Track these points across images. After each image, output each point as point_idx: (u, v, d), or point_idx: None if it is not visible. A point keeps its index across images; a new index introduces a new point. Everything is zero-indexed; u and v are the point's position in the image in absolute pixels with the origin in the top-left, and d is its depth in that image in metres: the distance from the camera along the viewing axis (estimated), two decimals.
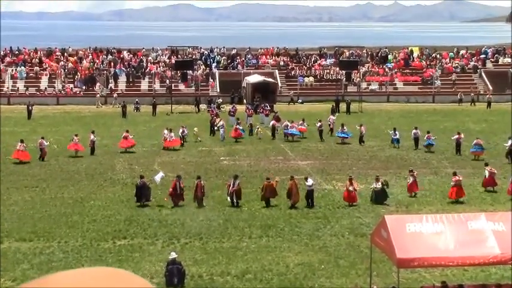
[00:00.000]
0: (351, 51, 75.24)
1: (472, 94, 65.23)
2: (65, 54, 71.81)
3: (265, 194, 28.69)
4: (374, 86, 68.15)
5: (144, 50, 75.88)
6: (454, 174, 30.13)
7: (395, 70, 70.78)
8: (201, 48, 74.73)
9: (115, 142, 42.27)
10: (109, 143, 42.89)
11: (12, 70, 67.56)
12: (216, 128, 46.30)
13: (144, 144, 42.72)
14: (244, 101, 62.24)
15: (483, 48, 77.42)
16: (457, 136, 40.18)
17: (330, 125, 46.68)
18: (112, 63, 69.45)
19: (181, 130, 43.23)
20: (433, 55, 74.86)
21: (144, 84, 68.13)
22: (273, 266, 21.73)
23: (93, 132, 41.00)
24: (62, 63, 69.01)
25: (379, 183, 29.31)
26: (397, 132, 42.45)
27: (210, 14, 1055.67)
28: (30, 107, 55.47)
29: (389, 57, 73.70)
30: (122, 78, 68.00)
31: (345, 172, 34.11)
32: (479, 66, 72.03)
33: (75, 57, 70.72)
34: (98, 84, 66.12)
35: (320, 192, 30.94)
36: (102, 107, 62.17)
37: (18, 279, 20.40)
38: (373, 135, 45.49)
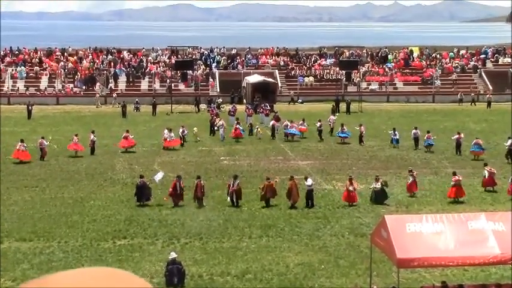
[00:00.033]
0: (351, 51, 75.25)
1: (473, 94, 65.22)
2: (65, 54, 71.83)
3: (265, 194, 28.68)
4: (374, 86, 68.14)
5: (144, 50, 75.91)
6: (454, 174, 30.15)
7: (395, 70, 70.77)
8: (201, 48, 74.75)
9: (115, 142, 42.28)
10: (109, 142, 42.88)
11: (12, 70, 67.58)
12: (216, 128, 46.31)
13: (144, 144, 42.73)
14: (244, 100, 62.25)
15: (483, 48, 77.45)
16: (457, 136, 40.19)
17: (330, 125, 46.70)
18: (112, 63, 69.46)
19: (181, 130, 43.23)
20: (433, 55, 74.87)
21: (144, 84, 68.13)
22: (273, 266, 21.73)
23: (93, 132, 41.00)
24: (62, 63, 69.02)
25: (379, 183, 29.32)
26: (396, 132, 42.46)
27: (210, 14, 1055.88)
28: (30, 107, 55.47)
29: (389, 57, 73.70)
30: (122, 78, 68.01)
31: (345, 172, 34.10)
32: (479, 66, 72.04)
33: (75, 57, 70.72)
34: (98, 84, 66.13)
35: (320, 192, 30.94)
36: (101, 107, 62.12)
37: (18, 279, 20.39)
38: (373, 135, 45.50)
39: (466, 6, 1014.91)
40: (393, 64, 71.77)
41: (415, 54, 75.05)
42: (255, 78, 64.11)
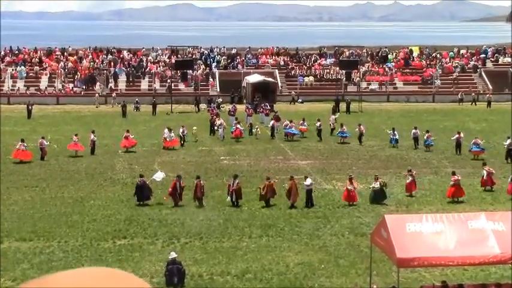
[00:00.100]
0: (350, 51, 75.27)
1: (473, 94, 65.22)
2: (65, 53, 71.84)
3: (266, 193, 28.68)
4: (374, 86, 68.15)
5: (144, 49, 75.92)
6: (453, 173, 30.16)
7: (395, 70, 70.79)
8: (201, 47, 74.76)
9: (115, 142, 42.30)
10: (109, 142, 42.90)
11: (12, 70, 67.60)
12: (216, 127, 46.31)
13: (144, 144, 42.73)
14: (244, 100, 62.26)
15: (483, 48, 77.45)
16: (457, 136, 40.20)
17: (331, 124, 46.72)
18: (112, 63, 69.47)
19: (181, 130, 43.24)
20: (433, 55, 74.88)
21: (144, 84, 68.15)
22: (273, 266, 21.73)
23: (93, 132, 41.01)
24: (62, 63, 69.02)
25: (378, 182, 29.32)
26: (396, 132, 42.47)
27: (210, 13, 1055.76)
28: (30, 107, 55.49)
29: (389, 56, 73.71)
30: (122, 78, 68.02)
31: (345, 172, 34.10)
32: (479, 66, 72.05)
33: (75, 57, 70.73)
34: (98, 83, 66.15)
35: (320, 191, 30.96)
36: (100, 107, 62.01)
37: (18, 279, 20.40)
38: (373, 135, 45.50)
39: (466, 5, 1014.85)
40: (393, 64, 71.77)
41: (415, 53, 75.06)
42: (255, 78, 64.12)
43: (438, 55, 74.73)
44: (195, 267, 21.45)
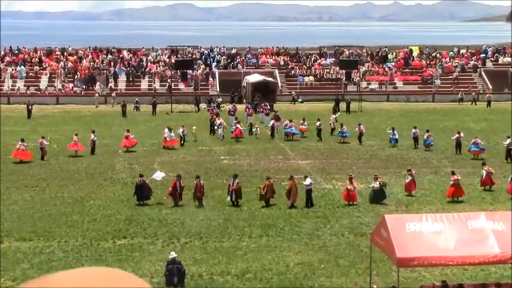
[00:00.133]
0: (350, 51, 75.29)
1: (474, 94, 65.22)
2: (65, 53, 71.84)
3: (266, 193, 28.68)
4: (374, 86, 68.16)
5: (144, 49, 75.92)
6: (453, 173, 30.15)
7: (395, 69, 70.79)
8: (201, 47, 74.77)
9: (115, 141, 42.31)
10: (109, 142, 42.90)
11: (12, 69, 67.60)
12: (216, 127, 46.31)
13: (144, 144, 42.73)
14: (244, 100, 62.27)
15: (483, 48, 77.45)
16: (457, 135, 40.20)
17: (331, 124, 46.73)
18: (112, 63, 69.46)
19: (181, 130, 43.25)
20: (433, 54, 74.89)
21: (144, 84, 68.15)
22: (273, 266, 21.73)
23: (93, 132, 41.02)
24: (61, 62, 69.01)
25: (377, 182, 29.32)
26: (395, 131, 42.47)
27: (210, 13, 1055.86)
28: (29, 107, 55.49)
29: (389, 56, 73.71)
30: (122, 78, 68.02)
31: (345, 171, 34.09)
32: (479, 66, 72.05)
33: (75, 57, 70.73)
34: (98, 83, 66.15)
35: (320, 191, 30.95)
36: (99, 107, 61.99)
37: (18, 279, 20.39)
38: (373, 135, 45.51)
39: (466, 5, 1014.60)
40: (393, 63, 71.77)
41: (415, 53, 75.06)
42: (255, 77, 64.12)
43: (438, 55, 74.73)
44: (195, 267, 21.45)
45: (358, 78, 67.00)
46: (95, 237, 24.44)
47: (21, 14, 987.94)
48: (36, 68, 68.21)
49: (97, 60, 70.03)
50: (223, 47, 75.84)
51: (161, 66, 69.44)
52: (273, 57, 72.87)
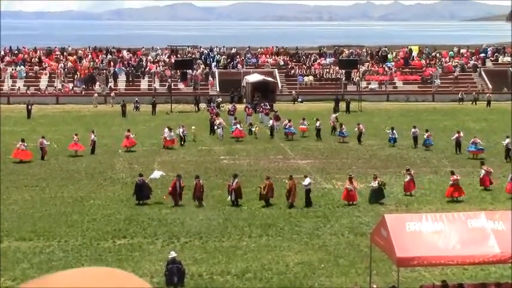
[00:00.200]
0: (350, 50, 75.27)
1: (474, 93, 65.22)
2: (65, 53, 71.87)
3: (266, 193, 28.67)
4: (374, 85, 68.17)
5: (143, 49, 75.95)
6: (452, 173, 30.15)
7: (395, 69, 70.81)
8: (200, 47, 74.76)
9: (115, 141, 42.31)
10: (109, 142, 42.91)
11: (12, 69, 67.60)
12: (216, 127, 46.31)
13: (144, 144, 42.74)
14: (244, 100, 62.28)
15: (483, 47, 77.46)
16: (456, 135, 40.20)
17: (331, 123, 46.74)
18: (112, 63, 69.48)
19: (181, 130, 43.25)
20: (433, 54, 74.90)
21: (143, 84, 68.15)
22: (273, 265, 21.73)
23: (93, 132, 41.02)
24: (61, 63, 69.01)
25: (376, 182, 29.32)
26: (394, 131, 42.47)
27: (210, 13, 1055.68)
28: (29, 107, 55.49)
29: (389, 56, 73.72)
30: (122, 78, 68.03)
31: (345, 171, 34.10)
32: (479, 65, 72.05)
33: (75, 57, 70.75)
34: (97, 83, 66.15)
35: (320, 191, 30.96)
36: (99, 107, 61.93)
37: (18, 279, 20.39)
38: (372, 134, 45.51)
39: (466, 5, 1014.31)
40: (393, 63, 71.79)
41: (415, 53, 75.08)
42: (254, 77, 64.12)
43: (438, 54, 74.75)
44: (195, 267, 21.45)
45: (357, 78, 67.00)
46: (94, 237, 24.44)
47: (21, 14, 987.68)
48: (36, 68, 68.22)
49: (97, 60, 70.05)
50: (223, 46, 75.86)
51: (161, 66, 69.44)
52: (273, 57, 72.88)
